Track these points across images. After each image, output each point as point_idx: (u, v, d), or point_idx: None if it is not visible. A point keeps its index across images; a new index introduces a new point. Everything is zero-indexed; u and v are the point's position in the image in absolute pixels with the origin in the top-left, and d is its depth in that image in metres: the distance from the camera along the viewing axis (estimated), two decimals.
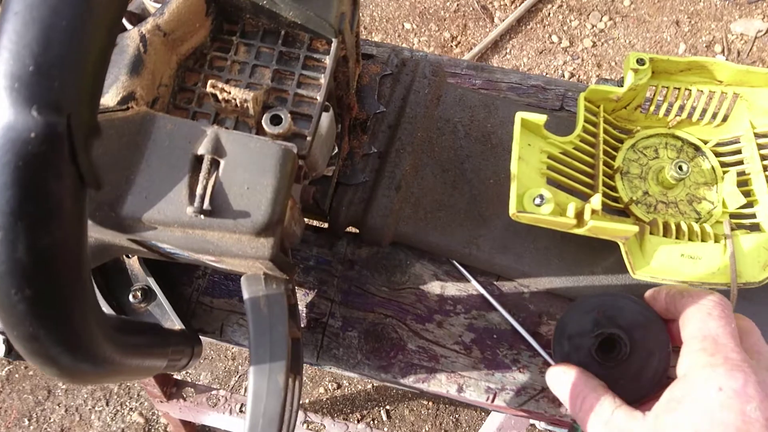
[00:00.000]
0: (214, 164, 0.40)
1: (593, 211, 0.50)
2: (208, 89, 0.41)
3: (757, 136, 0.59)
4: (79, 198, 0.27)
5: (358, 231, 0.61)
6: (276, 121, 0.43)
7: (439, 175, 0.61)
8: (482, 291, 0.60)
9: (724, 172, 0.59)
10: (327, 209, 0.59)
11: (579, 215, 0.51)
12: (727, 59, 1.91)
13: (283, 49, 0.45)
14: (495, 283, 0.61)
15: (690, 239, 0.53)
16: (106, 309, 0.57)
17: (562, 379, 0.45)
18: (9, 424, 1.57)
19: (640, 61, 0.57)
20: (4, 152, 0.24)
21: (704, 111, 0.61)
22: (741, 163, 0.59)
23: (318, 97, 0.45)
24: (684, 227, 0.54)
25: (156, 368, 0.49)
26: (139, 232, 0.42)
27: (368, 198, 0.59)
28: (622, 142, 0.61)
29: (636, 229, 0.50)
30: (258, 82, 0.45)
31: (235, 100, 0.42)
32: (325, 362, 0.59)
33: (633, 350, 0.45)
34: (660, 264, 0.53)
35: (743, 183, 0.58)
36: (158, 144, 0.40)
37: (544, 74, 1.94)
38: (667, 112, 0.61)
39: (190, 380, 1.59)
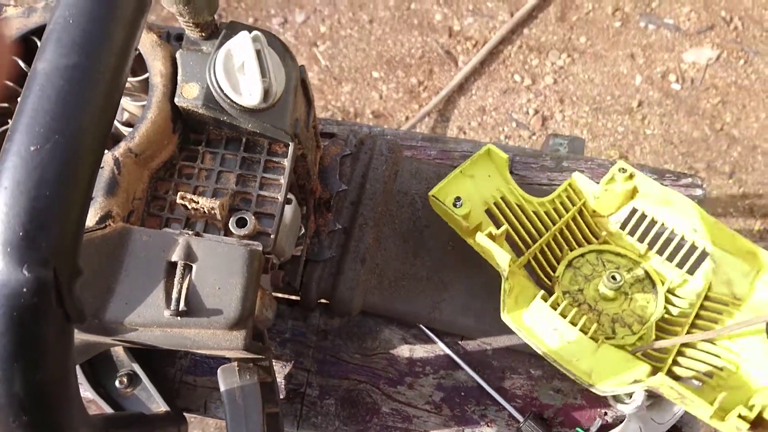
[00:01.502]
0: (187, 269, 0.44)
1: (492, 235, 0.56)
2: (178, 200, 0.45)
3: (707, 298, 0.59)
4: (66, 334, 0.32)
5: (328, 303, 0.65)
6: (241, 223, 0.48)
7: (401, 246, 0.66)
8: (448, 351, 0.64)
9: (665, 314, 0.60)
10: (298, 286, 0.63)
11: (475, 229, 0.59)
12: (681, 88, 2.01)
13: (245, 155, 0.50)
14: (460, 342, 0.65)
15: (572, 322, 0.55)
16: (94, 396, 0.61)
17: None
18: None
19: (622, 170, 0.60)
20: (1, 305, 0.29)
21: (676, 251, 0.61)
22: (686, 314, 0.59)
23: (279, 197, 0.49)
24: (575, 311, 0.56)
25: None
26: (122, 334, 0.45)
27: (336, 272, 0.64)
28: (588, 242, 0.64)
29: (508, 258, 0.55)
30: (224, 186, 0.49)
31: (203, 208, 0.46)
32: (305, 429, 0.62)
33: None
34: (531, 319, 0.56)
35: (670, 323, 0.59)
36: (135, 255, 0.44)
37: (510, 113, 2.01)
38: (641, 239, 0.62)
39: None
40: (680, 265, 0.61)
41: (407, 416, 0.63)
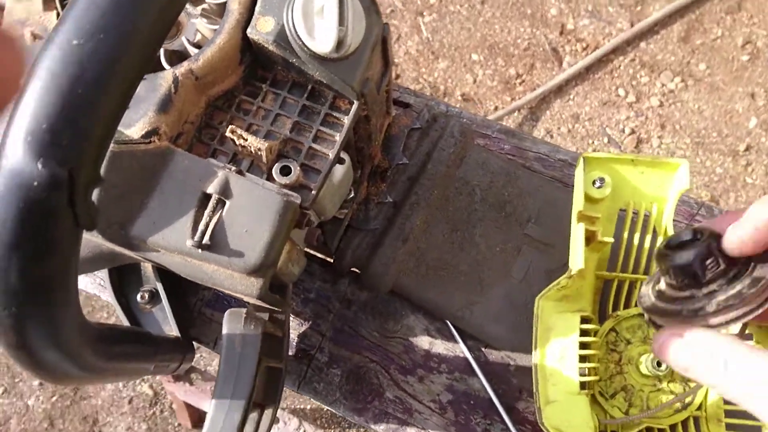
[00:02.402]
0: (220, 204, 0.42)
1: (593, 235, 0.50)
2: (228, 133, 0.44)
3: None
4: (71, 236, 0.31)
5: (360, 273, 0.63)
6: (285, 171, 0.46)
7: (448, 235, 0.63)
8: (468, 355, 0.61)
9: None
10: (334, 249, 0.61)
11: (588, 218, 0.51)
12: None
13: (307, 102, 0.48)
14: (483, 349, 0.62)
15: (586, 356, 0.51)
16: (114, 303, 0.61)
17: (693, 350, 0.33)
18: None
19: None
20: (8, 192, 0.28)
21: None
22: None
23: (330, 154, 0.47)
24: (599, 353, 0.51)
25: (142, 372, 0.52)
26: (144, 251, 0.45)
27: (375, 244, 0.61)
28: None
29: (581, 265, 0.48)
30: (278, 130, 0.47)
31: (251, 147, 0.44)
32: (305, 392, 0.61)
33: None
34: (554, 323, 0.52)
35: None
36: (173, 177, 0.43)
37: (604, 127, 1.91)
38: None
39: (202, 365, 1.65)
40: None
41: (409, 408, 0.60)
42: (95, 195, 0.32)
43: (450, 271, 0.62)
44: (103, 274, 0.64)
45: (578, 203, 0.51)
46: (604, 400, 0.55)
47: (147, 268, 0.63)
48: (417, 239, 0.62)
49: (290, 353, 0.62)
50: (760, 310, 0.32)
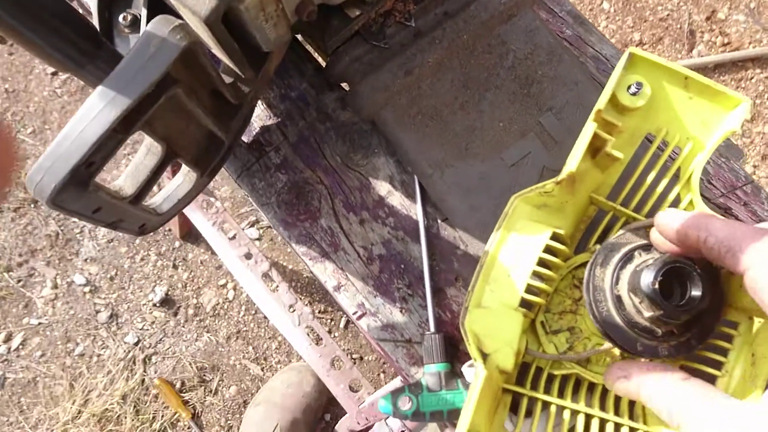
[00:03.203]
0: None
1: (604, 150, 0.43)
2: None
3: None
4: None
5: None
6: None
7: (457, 88, 0.55)
8: (421, 220, 0.55)
9: None
10: (331, 49, 0.54)
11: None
12: None
13: None
14: (439, 221, 0.55)
15: (544, 275, 0.43)
16: (95, 13, 0.57)
17: (622, 382, 0.37)
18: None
19: None
20: None
21: None
22: None
23: None
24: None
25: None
26: None
27: (375, 64, 0.54)
28: None
29: (573, 168, 0.42)
30: None
31: None
32: (243, 184, 0.56)
33: (705, 295, 0.37)
34: (515, 228, 0.45)
35: None
36: None
37: None
38: None
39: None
40: None
41: (336, 245, 0.55)
42: None
43: (440, 124, 0.54)
44: None
45: (601, 101, 0.42)
46: (543, 332, 0.48)
47: None
48: (421, 78, 0.55)
49: (245, 140, 0.57)
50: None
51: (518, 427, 0.46)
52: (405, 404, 0.49)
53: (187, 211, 1.39)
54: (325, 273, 0.54)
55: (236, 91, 0.50)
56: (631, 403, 0.48)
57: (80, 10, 0.58)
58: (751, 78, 1.77)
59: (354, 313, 0.54)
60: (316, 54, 0.60)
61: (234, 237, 1.34)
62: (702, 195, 0.53)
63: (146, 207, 0.49)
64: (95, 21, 0.57)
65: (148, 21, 0.56)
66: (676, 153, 0.45)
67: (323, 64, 0.61)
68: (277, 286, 1.32)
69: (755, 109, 1.74)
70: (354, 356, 1.59)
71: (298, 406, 1.46)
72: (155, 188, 0.48)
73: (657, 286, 0.37)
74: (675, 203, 0.45)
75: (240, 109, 0.52)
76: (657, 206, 0.45)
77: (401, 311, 0.54)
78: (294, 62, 0.58)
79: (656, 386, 0.34)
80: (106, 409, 1.55)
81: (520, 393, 0.47)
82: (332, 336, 1.59)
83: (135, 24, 0.57)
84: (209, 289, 1.68)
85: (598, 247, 0.45)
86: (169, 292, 1.67)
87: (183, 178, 0.52)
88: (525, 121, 0.54)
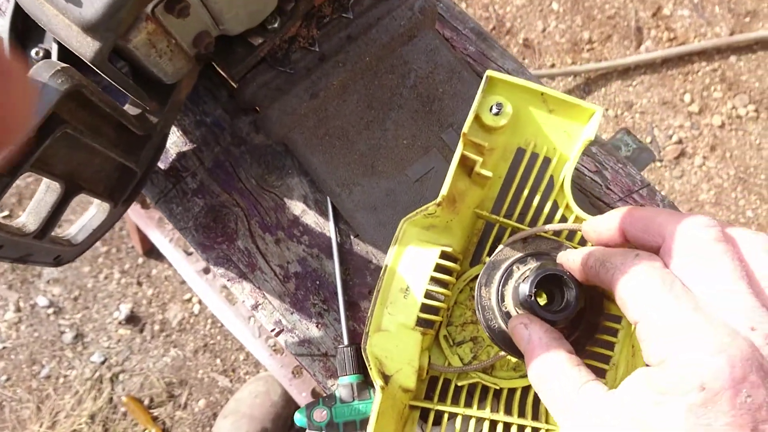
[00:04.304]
0: None
1: (470, 162, 0.45)
2: None
3: None
4: None
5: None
6: None
7: (362, 109, 0.57)
8: (333, 236, 0.57)
9: None
10: (237, 76, 0.56)
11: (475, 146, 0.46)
12: None
13: None
14: (352, 237, 0.57)
15: (440, 280, 0.46)
16: (6, 42, 0.58)
17: (521, 333, 0.38)
18: None
19: None
20: None
21: None
22: None
23: None
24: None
25: None
26: None
27: (281, 89, 0.56)
28: None
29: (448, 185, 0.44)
30: None
31: None
32: (161, 209, 0.58)
33: (579, 296, 0.39)
34: (412, 245, 0.47)
35: None
36: None
37: (653, 126, 1.77)
38: None
39: None
40: None
41: (253, 264, 0.57)
42: None
43: (346, 144, 0.56)
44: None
45: (466, 125, 0.45)
46: (447, 345, 0.50)
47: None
48: (327, 100, 0.57)
49: (162, 166, 0.59)
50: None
51: None
52: (319, 416, 0.51)
53: (144, 228, 1.39)
54: (243, 293, 0.56)
55: (143, 122, 0.52)
56: (535, 404, 0.51)
57: None
58: (698, 71, 1.81)
59: (272, 330, 0.56)
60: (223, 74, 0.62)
61: (191, 253, 1.35)
62: (601, 200, 0.56)
63: (58, 239, 0.51)
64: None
65: (59, 56, 0.57)
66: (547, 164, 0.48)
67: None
68: (236, 299, 1.33)
69: (702, 101, 1.79)
70: None
71: (266, 416, 1.47)
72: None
73: (534, 297, 0.39)
74: (553, 209, 0.47)
75: (150, 139, 0.53)
76: (538, 214, 0.48)
77: (317, 326, 0.56)
78: (208, 89, 0.60)
79: (536, 367, 0.36)
80: (75, 429, 1.55)
81: (427, 408, 0.49)
82: None
83: (48, 58, 0.58)
84: (174, 304, 1.69)
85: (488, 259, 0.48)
86: (134, 309, 1.67)
87: (96, 209, 0.53)
88: (427, 137, 0.56)
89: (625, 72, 1.82)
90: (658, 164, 1.76)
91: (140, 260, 1.70)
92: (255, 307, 0.56)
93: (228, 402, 1.53)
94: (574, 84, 1.82)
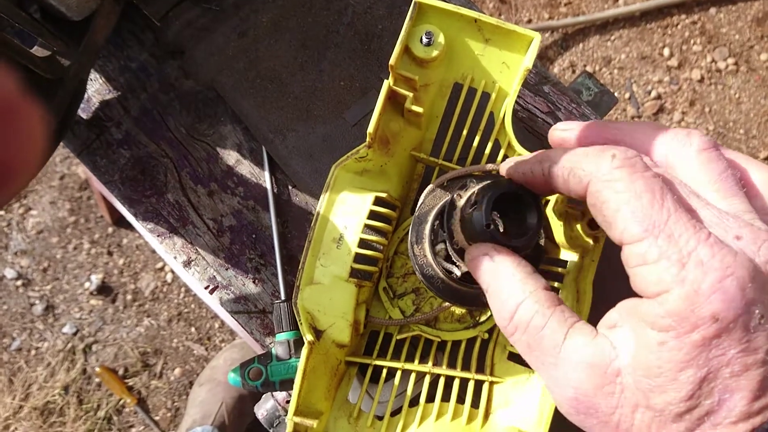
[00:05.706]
0: None
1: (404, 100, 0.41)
2: None
3: None
4: None
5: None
6: None
7: (296, 49, 0.53)
8: (269, 187, 0.53)
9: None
10: (159, 15, 0.52)
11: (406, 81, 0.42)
12: None
13: None
14: (290, 188, 0.54)
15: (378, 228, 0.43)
16: None
17: (485, 267, 0.31)
18: None
19: None
20: None
21: None
22: None
23: None
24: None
25: None
26: None
27: (207, 28, 0.52)
28: None
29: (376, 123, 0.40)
30: None
31: None
32: (84, 161, 0.54)
33: (542, 215, 0.33)
34: (345, 189, 0.44)
35: None
36: None
37: (631, 82, 1.73)
38: None
39: None
40: None
41: (184, 218, 0.53)
42: None
43: (279, 87, 0.52)
44: None
45: (393, 56, 0.40)
46: (388, 298, 0.47)
47: None
48: (258, 39, 0.53)
49: (83, 116, 0.55)
50: None
51: (360, 397, 0.45)
52: (254, 375, 0.49)
53: (110, 197, 1.35)
54: (174, 249, 0.53)
55: (52, 65, 0.48)
56: (481, 356, 0.48)
57: None
58: (677, 24, 1.77)
59: (206, 287, 0.53)
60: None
61: None
62: None
63: None
64: None
65: None
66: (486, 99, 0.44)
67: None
68: None
69: (681, 55, 1.75)
70: None
71: None
72: None
73: (492, 225, 0.32)
74: (495, 148, 0.44)
75: (62, 83, 0.49)
76: (479, 155, 0.44)
77: (254, 282, 0.53)
78: (132, 31, 0.56)
79: (508, 309, 0.30)
80: (48, 401, 1.53)
81: (365, 363, 0.46)
82: None
83: None
84: (147, 273, 1.65)
85: None
86: (106, 280, 1.64)
87: None
88: (366, 78, 0.52)
89: (604, 26, 1.77)
90: (636, 119, 1.73)
91: (110, 230, 1.66)
92: (187, 263, 0.53)
93: (204, 370, 1.51)
94: (551, 40, 1.77)
